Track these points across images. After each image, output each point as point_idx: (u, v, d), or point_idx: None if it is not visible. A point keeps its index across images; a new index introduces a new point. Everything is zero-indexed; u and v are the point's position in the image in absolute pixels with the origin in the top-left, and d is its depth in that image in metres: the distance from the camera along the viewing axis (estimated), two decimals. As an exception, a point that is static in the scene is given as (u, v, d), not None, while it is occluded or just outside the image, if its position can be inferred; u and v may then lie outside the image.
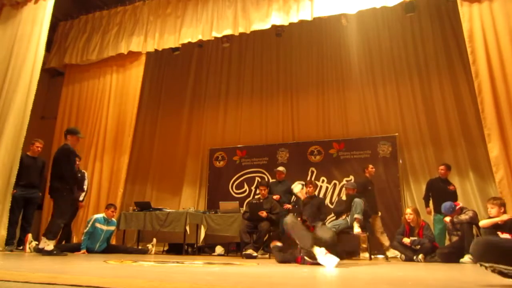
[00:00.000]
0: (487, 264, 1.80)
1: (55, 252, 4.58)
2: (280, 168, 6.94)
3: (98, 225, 5.72)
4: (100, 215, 5.88)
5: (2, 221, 5.59)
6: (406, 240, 5.23)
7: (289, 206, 6.38)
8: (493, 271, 1.79)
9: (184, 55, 8.86)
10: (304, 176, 7.47)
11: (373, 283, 2.09)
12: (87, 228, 5.68)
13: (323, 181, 7.49)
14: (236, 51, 9.03)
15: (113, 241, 6.38)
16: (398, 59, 7.71)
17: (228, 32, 6.78)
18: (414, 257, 5.07)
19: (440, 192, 5.95)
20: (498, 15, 5.39)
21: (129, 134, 7.16)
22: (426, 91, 7.37)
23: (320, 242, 3.48)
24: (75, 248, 5.63)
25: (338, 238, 4.05)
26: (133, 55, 7.47)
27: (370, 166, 6.54)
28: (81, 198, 6.34)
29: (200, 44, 7.94)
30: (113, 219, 5.98)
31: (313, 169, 7.63)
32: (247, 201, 7.24)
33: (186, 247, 6.32)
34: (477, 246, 1.92)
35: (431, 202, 6.14)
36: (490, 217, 4.58)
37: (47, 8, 6.65)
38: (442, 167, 6.16)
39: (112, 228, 5.97)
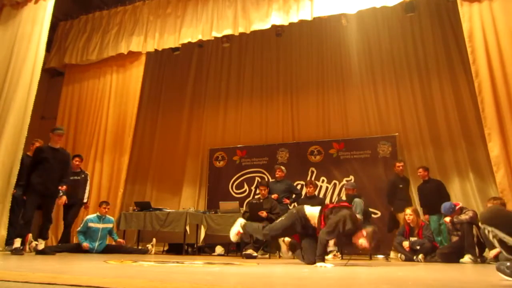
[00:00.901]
0: (489, 228, 1.82)
1: (17, 250, 4.57)
2: (282, 166, 6.86)
3: (91, 224, 5.75)
4: (92, 215, 5.92)
5: (2, 221, 5.59)
6: (406, 245, 5.24)
7: (288, 201, 6.35)
8: (494, 237, 1.81)
9: (184, 55, 8.86)
10: (304, 176, 7.47)
11: (373, 283, 2.09)
12: (79, 228, 5.77)
13: (323, 181, 7.48)
14: (236, 51, 9.03)
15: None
16: (398, 59, 7.71)
17: (228, 32, 6.78)
18: (414, 257, 5.08)
19: (430, 194, 5.98)
20: (498, 14, 5.39)
21: (129, 134, 7.17)
22: (426, 91, 7.36)
23: None
24: (74, 248, 5.64)
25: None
26: (133, 55, 7.48)
27: (397, 164, 6.40)
28: (85, 200, 6.34)
29: (200, 44, 7.93)
30: (108, 215, 5.98)
31: (313, 169, 7.63)
32: (247, 201, 7.23)
33: (186, 247, 6.32)
34: (487, 211, 1.97)
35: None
36: (490, 217, 4.58)
37: (47, 8, 6.65)
38: (419, 170, 6.20)
39: (109, 225, 5.95)
